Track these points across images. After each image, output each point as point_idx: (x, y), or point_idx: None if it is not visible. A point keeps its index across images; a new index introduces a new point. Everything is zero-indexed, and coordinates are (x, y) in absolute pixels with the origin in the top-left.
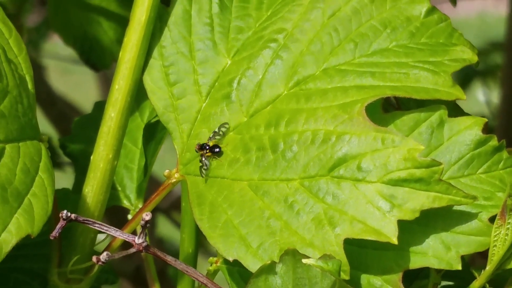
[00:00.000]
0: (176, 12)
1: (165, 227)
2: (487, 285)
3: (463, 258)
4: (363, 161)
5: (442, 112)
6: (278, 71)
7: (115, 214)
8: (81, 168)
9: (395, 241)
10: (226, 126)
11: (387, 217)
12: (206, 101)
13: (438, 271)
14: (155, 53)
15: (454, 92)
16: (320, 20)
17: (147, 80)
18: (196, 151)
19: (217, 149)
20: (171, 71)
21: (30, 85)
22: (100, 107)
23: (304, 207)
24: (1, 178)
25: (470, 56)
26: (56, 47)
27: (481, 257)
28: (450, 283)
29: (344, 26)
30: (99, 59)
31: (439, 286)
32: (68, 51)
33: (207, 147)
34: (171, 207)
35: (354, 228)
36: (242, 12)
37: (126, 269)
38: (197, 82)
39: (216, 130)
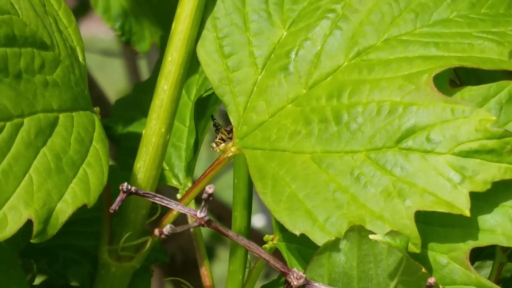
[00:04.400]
0: None
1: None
2: None
3: None
4: (432, 132)
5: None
6: (337, 41)
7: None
8: (124, 149)
9: (467, 213)
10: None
11: (458, 189)
12: (262, 73)
13: (504, 250)
14: (208, 24)
15: None
16: None
17: (201, 52)
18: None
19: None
20: (225, 43)
21: (81, 57)
22: (139, 87)
23: (372, 180)
24: (55, 147)
25: None
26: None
27: None
28: None
29: None
30: (138, 41)
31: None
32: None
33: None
34: None
35: (425, 201)
36: None
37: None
38: (253, 54)
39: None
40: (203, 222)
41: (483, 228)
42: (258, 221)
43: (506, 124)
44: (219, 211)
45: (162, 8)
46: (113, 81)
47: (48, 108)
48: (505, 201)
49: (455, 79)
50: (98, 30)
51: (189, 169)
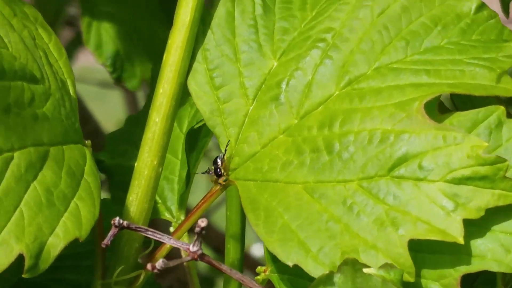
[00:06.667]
0: (219, 14)
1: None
2: None
3: None
4: (424, 159)
5: (501, 113)
6: (328, 71)
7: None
8: (117, 183)
9: (461, 241)
10: (220, 155)
11: (451, 216)
12: (254, 104)
13: (505, 285)
14: (199, 56)
15: None
16: (369, 18)
17: (192, 85)
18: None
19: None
20: (216, 75)
21: (71, 90)
22: (132, 121)
23: (364, 209)
24: (46, 181)
25: None
26: None
27: None
28: None
29: (394, 24)
30: (129, 78)
31: None
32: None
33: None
34: None
35: (418, 229)
36: (286, 13)
37: None
38: (243, 85)
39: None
40: (196, 256)
41: (473, 254)
42: (258, 250)
43: (496, 149)
44: (217, 243)
45: (154, 44)
46: (111, 112)
47: (38, 141)
48: (495, 226)
49: (452, 107)
50: (95, 61)
51: (182, 202)
